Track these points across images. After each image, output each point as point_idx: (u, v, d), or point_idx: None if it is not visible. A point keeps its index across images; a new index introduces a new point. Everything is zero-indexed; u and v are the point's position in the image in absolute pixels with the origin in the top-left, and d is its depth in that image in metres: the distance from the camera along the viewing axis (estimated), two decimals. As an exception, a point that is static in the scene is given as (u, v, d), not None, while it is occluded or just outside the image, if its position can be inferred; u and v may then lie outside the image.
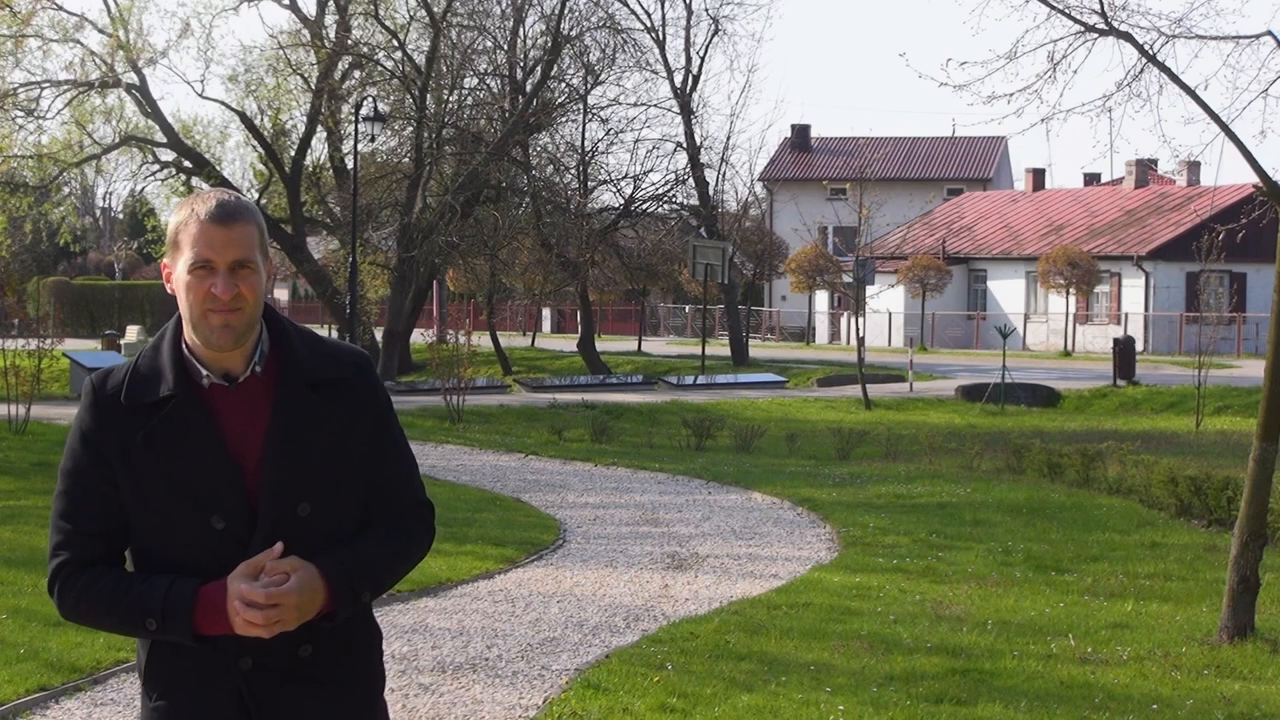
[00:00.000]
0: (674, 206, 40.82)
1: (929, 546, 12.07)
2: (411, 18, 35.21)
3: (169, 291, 3.03)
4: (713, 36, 41.82)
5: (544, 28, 36.49)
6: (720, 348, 42.84)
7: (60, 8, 30.66)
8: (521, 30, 36.59)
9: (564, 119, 38.38)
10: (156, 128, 32.58)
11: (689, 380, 34.33)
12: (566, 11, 35.92)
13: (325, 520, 2.99)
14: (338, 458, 3.01)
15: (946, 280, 50.69)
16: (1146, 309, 48.07)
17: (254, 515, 2.93)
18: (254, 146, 34.90)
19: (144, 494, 2.95)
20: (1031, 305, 51.92)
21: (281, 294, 70.36)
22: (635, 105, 39.74)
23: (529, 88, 35.59)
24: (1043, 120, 11.34)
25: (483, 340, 34.94)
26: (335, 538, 3.00)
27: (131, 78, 31.44)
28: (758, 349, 47.05)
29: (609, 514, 14.07)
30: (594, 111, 38.53)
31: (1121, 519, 13.52)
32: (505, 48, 36.51)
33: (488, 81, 37.51)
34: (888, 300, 45.55)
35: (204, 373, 2.97)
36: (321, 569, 2.92)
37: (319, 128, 34.18)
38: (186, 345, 3.01)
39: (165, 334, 3.05)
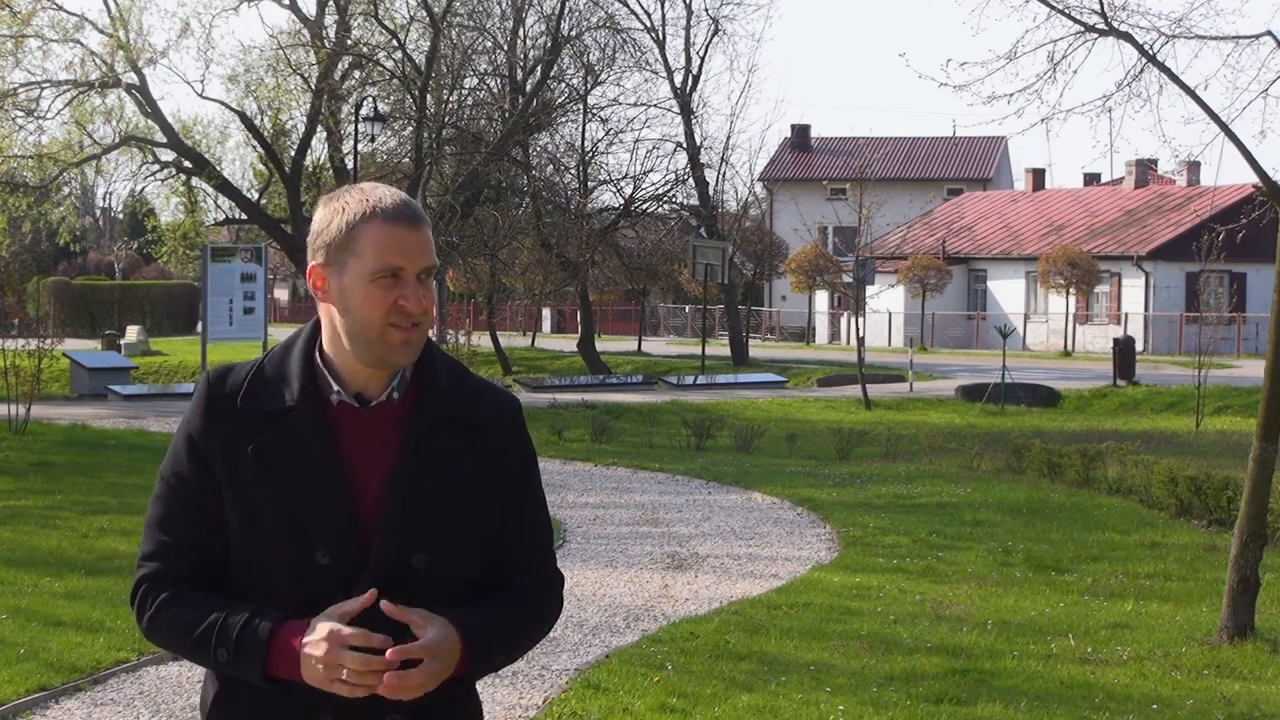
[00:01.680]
0: (674, 206, 40.83)
1: (929, 546, 12.07)
2: (411, 18, 35.20)
3: (318, 298, 2.65)
4: (713, 36, 41.86)
5: (544, 28, 36.50)
6: (720, 348, 42.83)
7: (60, 8, 30.64)
8: (521, 30, 36.60)
9: (564, 119, 38.40)
10: (156, 128, 32.55)
11: (689, 380, 34.32)
12: (566, 11, 35.94)
13: (441, 575, 2.63)
14: (467, 509, 2.66)
15: (946, 280, 50.69)
16: (1146, 309, 48.07)
17: (364, 556, 2.58)
18: (254, 146, 34.89)
19: (246, 513, 2.62)
20: (1031, 305, 51.92)
21: (281, 294, 70.37)
22: (635, 105, 39.77)
23: (529, 88, 35.58)
24: (1043, 120, 11.35)
25: (483, 340, 34.99)
26: (449, 597, 2.63)
27: (131, 78, 31.43)
28: (758, 349, 47.04)
29: (609, 514, 14.08)
30: (594, 111, 38.55)
31: (1121, 519, 13.52)
32: (505, 48, 36.51)
33: (488, 81, 37.52)
34: (888, 300, 45.53)
35: (335, 388, 2.63)
36: (459, 624, 2.57)
37: (319, 128, 34.15)
38: (321, 355, 2.67)
39: (298, 338, 2.72)
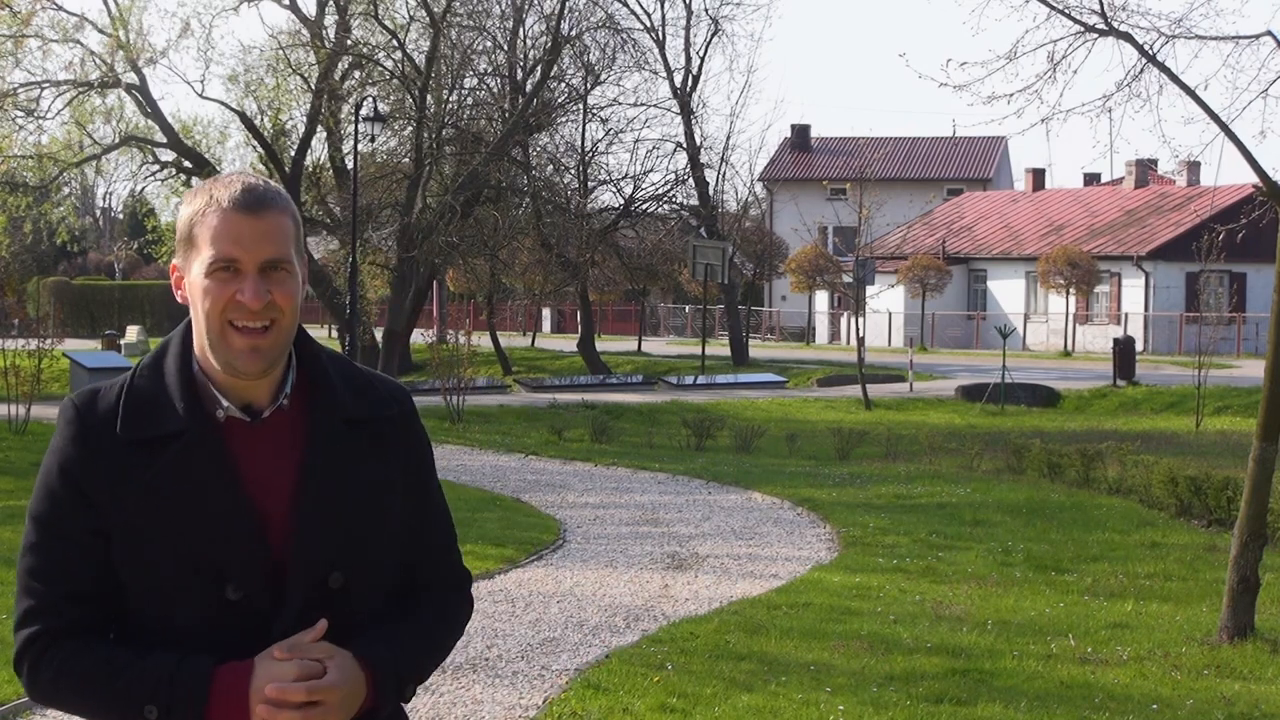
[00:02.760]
0: (674, 206, 40.82)
1: (929, 546, 12.07)
2: (411, 18, 35.22)
3: (179, 299, 2.42)
4: (712, 37, 41.86)
5: (544, 28, 36.51)
6: (720, 348, 42.84)
7: (60, 8, 30.67)
8: (521, 30, 36.60)
9: (564, 119, 38.39)
10: (156, 128, 32.57)
11: (689, 380, 34.33)
12: (566, 11, 35.94)
13: (360, 593, 2.42)
14: (379, 516, 2.44)
15: (946, 280, 50.70)
16: (1146, 309, 48.07)
17: (277, 584, 2.34)
18: (254, 146, 34.89)
19: (140, 553, 2.33)
20: (1031, 305, 51.93)
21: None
22: (635, 105, 39.76)
23: (529, 88, 35.59)
24: (1043, 120, 11.35)
25: (483, 340, 34.95)
26: (366, 616, 2.44)
27: (131, 78, 31.44)
28: (758, 349, 47.05)
29: (609, 514, 14.08)
30: (594, 111, 38.55)
31: (1121, 519, 13.52)
32: (505, 48, 36.51)
33: (488, 81, 37.51)
34: (888, 300, 45.55)
35: (222, 403, 2.37)
36: (363, 658, 2.36)
37: (319, 128, 34.18)
38: (198, 365, 2.40)
39: (168, 349, 2.43)
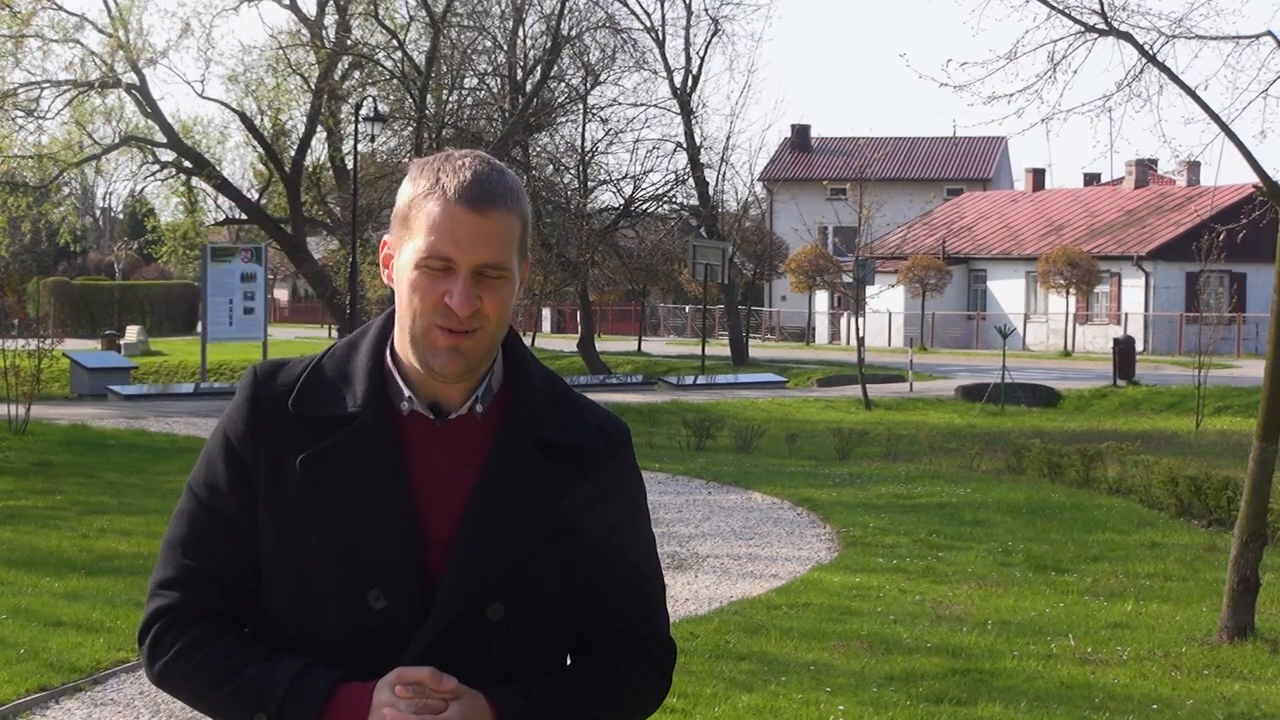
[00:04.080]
0: (674, 206, 40.84)
1: (929, 546, 12.07)
2: (411, 18, 35.23)
3: (385, 279, 2.25)
4: (712, 36, 41.85)
5: (544, 28, 36.52)
6: (720, 348, 42.84)
7: (60, 8, 30.67)
8: (521, 30, 36.62)
9: (564, 119, 38.41)
10: (156, 128, 32.57)
11: (689, 380, 34.33)
12: (566, 11, 35.95)
13: (521, 632, 2.17)
14: (560, 552, 2.19)
15: (946, 280, 50.70)
16: (1146, 309, 48.07)
17: (428, 602, 2.13)
18: (254, 146, 34.91)
19: (286, 538, 2.17)
20: (1031, 305, 51.93)
21: (281, 294, 70.36)
22: (635, 105, 39.79)
23: (529, 88, 35.60)
24: (1043, 120, 11.36)
25: (483, 340, 34.80)
26: (529, 661, 2.19)
27: (131, 78, 31.44)
28: (758, 349, 47.05)
29: (609, 514, 14.06)
30: (594, 111, 38.56)
31: (1121, 519, 13.51)
32: (505, 48, 36.54)
33: (488, 81, 37.54)
34: (888, 300, 45.54)
35: (406, 394, 2.20)
36: (495, 703, 2.12)
37: (319, 128, 34.19)
38: (393, 353, 2.23)
39: (367, 332, 2.28)
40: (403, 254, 2.17)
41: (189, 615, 2.19)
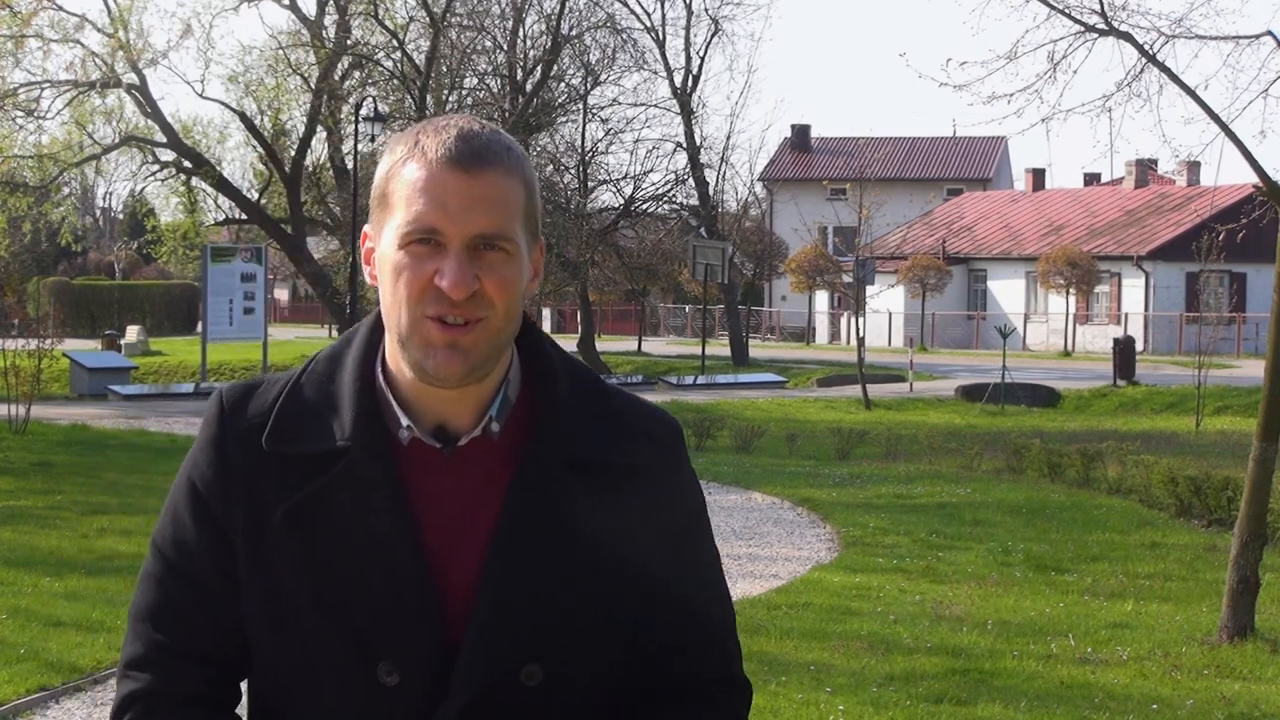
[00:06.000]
0: (674, 206, 40.84)
1: (929, 546, 12.07)
2: (411, 18, 35.24)
3: (368, 278, 1.84)
4: (712, 36, 41.87)
5: (544, 28, 36.54)
6: (720, 348, 42.84)
7: (60, 8, 30.67)
8: (521, 30, 36.63)
9: (564, 119, 38.41)
10: (156, 128, 32.59)
11: (689, 380, 34.33)
12: (566, 11, 35.98)
13: (565, 696, 1.81)
14: (604, 596, 1.81)
15: (946, 280, 50.71)
16: (1146, 309, 48.08)
17: (448, 671, 1.76)
18: (254, 146, 34.92)
19: (273, 607, 1.79)
20: (1031, 305, 51.94)
21: (281, 294, 70.33)
22: (635, 105, 39.81)
23: (529, 88, 35.61)
24: (1043, 120, 11.37)
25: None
26: None
27: (131, 78, 31.45)
28: (758, 349, 47.04)
29: (609, 514, 14.06)
30: (594, 111, 38.57)
31: (1121, 519, 13.52)
32: (505, 48, 36.54)
33: (488, 81, 37.54)
34: (888, 300, 45.53)
35: (404, 421, 1.79)
36: None
37: (319, 128, 34.21)
38: (384, 369, 1.83)
39: (350, 344, 1.86)
40: (384, 237, 1.77)
41: (166, 700, 1.82)
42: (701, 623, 1.91)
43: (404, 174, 1.75)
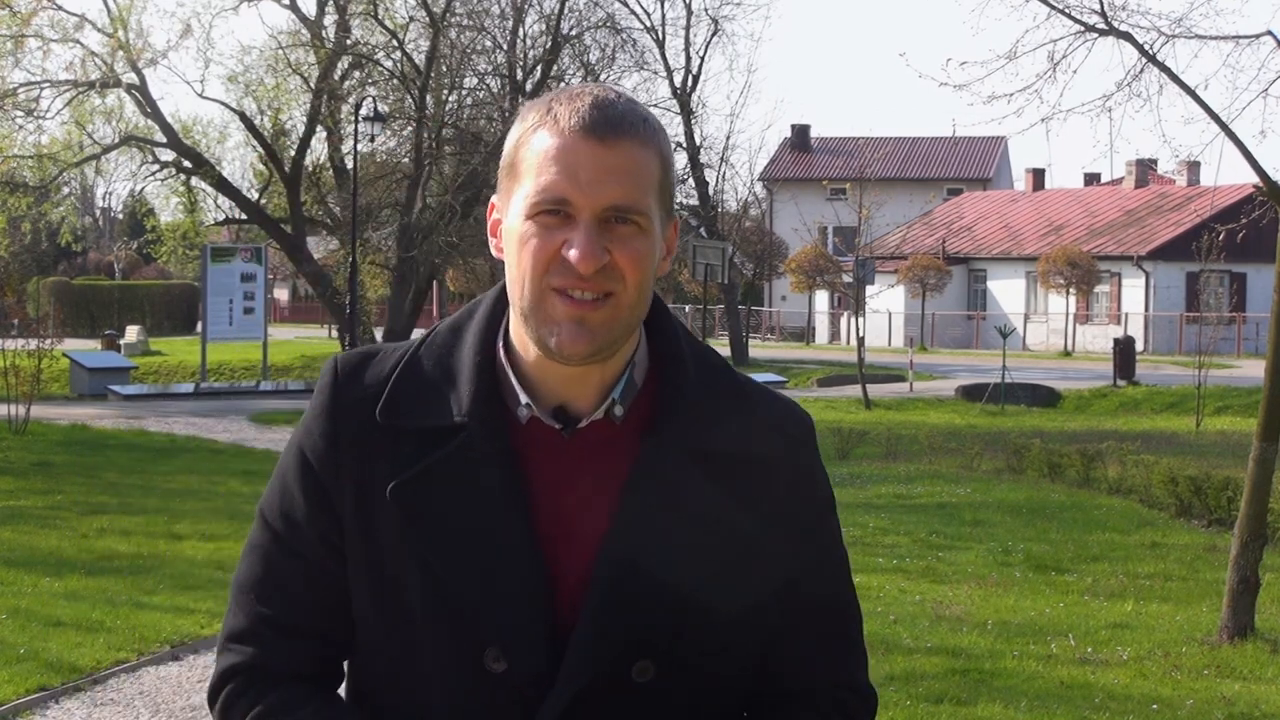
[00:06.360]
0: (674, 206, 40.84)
1: (929, 546, 12.07)
2: (411, 18, 35.24)
3: (494, 251, 1.78)
4: (712, 36, 41.92)
5: (544, 27, 36.54)
6: (720, 348, 42.64)
7: (60, 8, 30.67)
8: (521, 30, 36.63)
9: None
10: (156, 128, 32.59)
11: (689, 380, 34.31)
12: (566, 11, 35.99)
13: (678, 696, 1.73)
14: (727, 592, 1.73)
15: (946, 280, 50.71)
16: (1146, 309, 48.08)
17: (558, 661, 1.69)
18: (254, 146, 34.92)
19: (379, 585, 1.74)
20: (1031, 305, 51.94)
21: (281, 294, 70.33)
22: (635, 105, 39.78)
23: (529, 88, 35.60)
24: (1043, 120, 11.37)
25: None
26: None
27: (131, 78, 31.46)
28: (758, 349, 47.04)
29: (609, 514, 14.05)
30: (594, 111, 38.56)
31: (1121, 519, 13.52)
32: (505, 48, 36.54)
33: (488, 81, 37.54)
34: (888, 300, 45.53)
35: (523, 399, 1.74)
36: None
37: (319, 128, 34.21)
38: (506, 346, 1.78)
39: (472, 316, 1.82)
40: (511, 208, 1.71)
41: (267, 675, 1.77)
42: (829, 626, 1.85)
43: (534, 142, 1.69)
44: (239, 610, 1.79)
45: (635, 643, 1.69)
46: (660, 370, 1.78)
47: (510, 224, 1.71)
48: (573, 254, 1.64)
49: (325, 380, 1.80)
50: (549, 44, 35.58)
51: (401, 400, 1.74)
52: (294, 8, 34.04)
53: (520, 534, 1.69)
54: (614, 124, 1.67)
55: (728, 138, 71.01)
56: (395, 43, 33.96)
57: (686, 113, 40.97)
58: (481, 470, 1.70)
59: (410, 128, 34.46)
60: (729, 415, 1.77)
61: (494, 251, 1.77)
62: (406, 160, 35.35)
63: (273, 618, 1.77)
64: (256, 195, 36.70)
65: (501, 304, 1.79)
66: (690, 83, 41.35)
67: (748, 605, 1.75)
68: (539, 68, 35.81)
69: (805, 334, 57.24)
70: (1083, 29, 10.08)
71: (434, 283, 41.01)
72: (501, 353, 1.76)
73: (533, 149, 1.68)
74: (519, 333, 1.74)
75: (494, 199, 1.77)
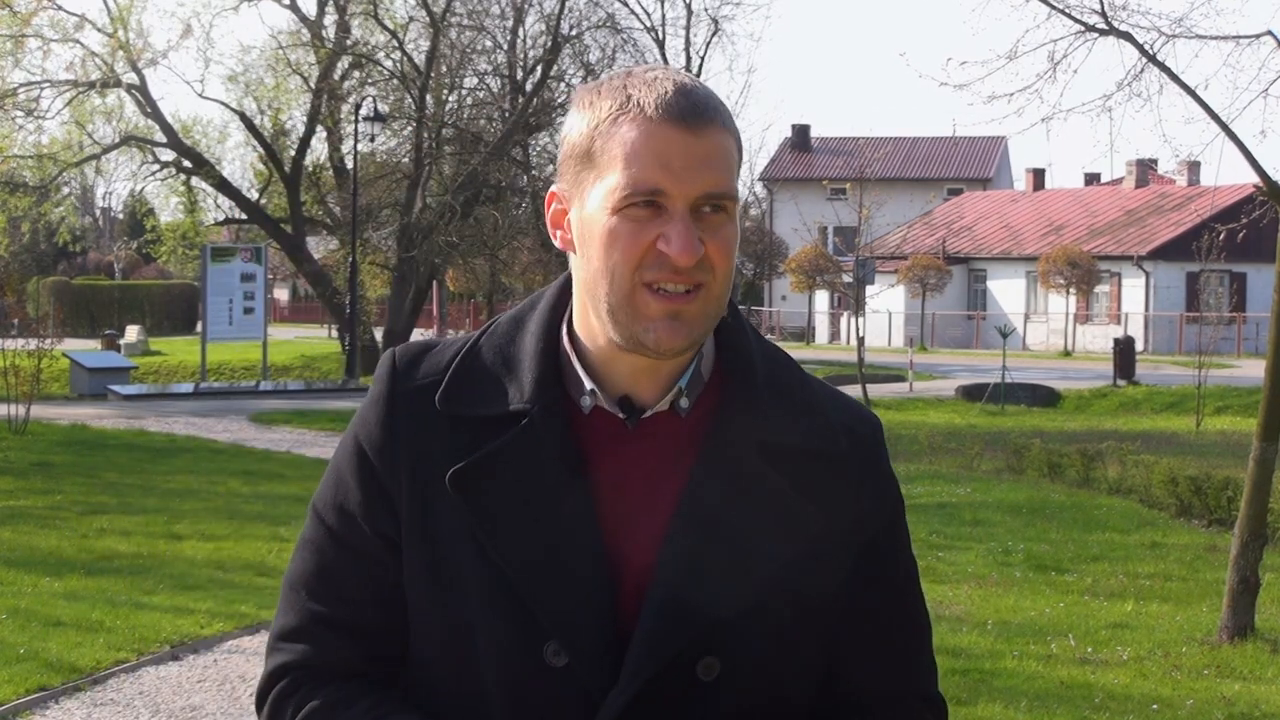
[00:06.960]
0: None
1: (929, 546, 12.06)
2: (411, 18, 35.25)
3: (558, 243, 1.73)
4: (712, 36, 41.84)
5: (544, 27, 36.53)
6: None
7: (60, 8, 30.69)
8: (521, 30, 36.62)
9: (564, 119, 38.40)
10: (156, 128, 32.60)
11: (689, 380, 34.32)
12: (566, 11, 35.97)
13: (742, 696, 1.67)
14: (793, 590, 1.68)
15: (946, 280, 50.71)
16: (1146, 309, 48.09)
17: (620, 656, 1.63)
18: (254, 146, 34.93)
19: (436, 576, 1.68)
20: (1031, 305, 51.95)
21: (281, 294, 70.34)
22: (635, 105, 39.78)
23: (529, 88, 35.61)
24: (1043, 120, 11.39)
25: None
26: None
27: (131, 78, 31.47)
28: (758, 349, 46.99)
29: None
30: (594, 111, 38.56)
31: (1121, 519, 13.52)
32: (505, 47, 36.54)
33: (488, 81, 37.53)
34: (888, 300, 45.53)
35: (588, 386, 1.69)
36: None
37: (319, 128, 34.23)
38: (571, 334, 1.73)
39: (535, 307, 1.77)
40: (589, 200, 1.64)
41: (319, 674, 1.72)
42: (899, 631, 1.81)
43: (616, 131, 1.62)
44: (289, 608, 1.75)
45: (700, 639, 1.64)
46: (727, 363, 1.74)
47: (589, 215, 1.64)
48: (672, 248, 1.59)
49: (383, 370, 1.76)
50: (549, 44, 35.56)
51: (462, 388, 1.70)
52: (294, 8, 34.06)
53: (582, 524, 1.64)
54: (700, 110, 1.62)
55: (728, 138, 70.90)
56: (395, 43, 33.97)
57: (687, 113, 40.98)
58: (543, 458, 1.66)
59: (410, 128, 34.46)
60: (798, 412, 1.73)
61: (558, 244, 1.72)
62: (406, 160, 35.36)
63: (325, 614, 1.72)
64: (256, 195, 36.72)
65: (565, 293, 1.75)
66: (690, 83, 41.37)
67: (814, 603, 1.70)
68: (539, 68, 35.80)
69: (805, 334, 57.25)
70: (1083, 29, 10.08)
71: (434, 283, 41.01)
72: (566, 341, 1.72)
73: (615, 138, 1.62)
74: (589, 325, 1.69)
75: (555, 189, 1.72)
